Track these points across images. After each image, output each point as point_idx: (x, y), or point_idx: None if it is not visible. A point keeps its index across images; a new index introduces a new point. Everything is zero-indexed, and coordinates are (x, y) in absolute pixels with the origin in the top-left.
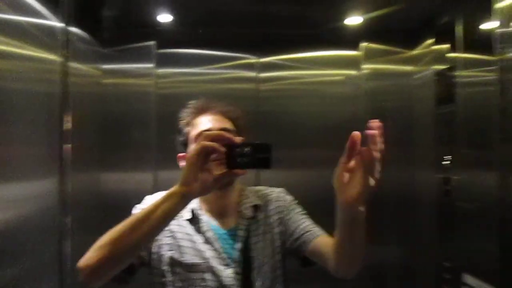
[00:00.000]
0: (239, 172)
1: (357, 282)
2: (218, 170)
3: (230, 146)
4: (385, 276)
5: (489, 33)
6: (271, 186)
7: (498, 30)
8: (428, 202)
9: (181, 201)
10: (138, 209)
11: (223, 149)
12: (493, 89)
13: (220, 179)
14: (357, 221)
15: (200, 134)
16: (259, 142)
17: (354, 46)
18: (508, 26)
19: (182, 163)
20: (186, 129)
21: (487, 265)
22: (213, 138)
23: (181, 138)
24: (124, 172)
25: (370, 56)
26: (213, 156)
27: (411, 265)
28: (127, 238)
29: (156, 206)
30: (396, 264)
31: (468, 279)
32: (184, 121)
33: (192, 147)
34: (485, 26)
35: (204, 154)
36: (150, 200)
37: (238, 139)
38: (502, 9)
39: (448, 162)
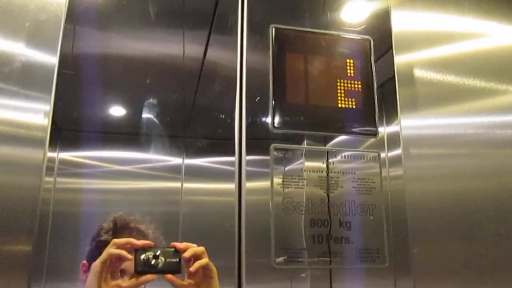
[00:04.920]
0: (148, 278)
1: None
2: (126, 282)
3: (138, 252)
4: None
5: None
6: None
7: None
8: None
9: None
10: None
11: (130, 256)
12: None
13: None
14: None
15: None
16: (168, 247)
17: None
18: None
19: (83, 276)
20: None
21: None
22: (121, 245)
23: (93, 248)
24: None
25: None
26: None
27: None
28: None
29: None
30: None
31: None
32: (103, 236)
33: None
34: None
35: (111, 264)
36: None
37: (145, 243)
38: None
39: None
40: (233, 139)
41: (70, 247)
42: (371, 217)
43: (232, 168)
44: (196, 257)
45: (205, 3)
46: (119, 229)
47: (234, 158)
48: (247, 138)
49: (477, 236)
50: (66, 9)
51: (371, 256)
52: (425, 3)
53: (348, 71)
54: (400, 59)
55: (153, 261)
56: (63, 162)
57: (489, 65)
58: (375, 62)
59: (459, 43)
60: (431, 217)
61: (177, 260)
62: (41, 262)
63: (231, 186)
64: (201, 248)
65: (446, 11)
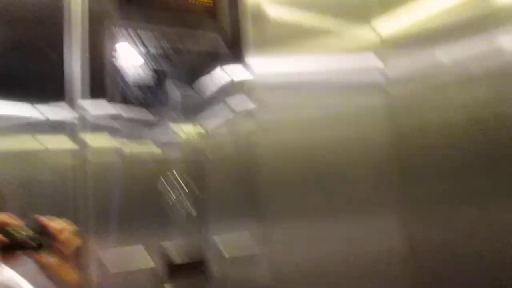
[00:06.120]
0: (13, 256)
1: None
2: None
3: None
4: None
5: None
6: None
7: None
8: None
9: None
10: None
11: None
12: None
13: None
14: None
15: None
16: (32, 222)
17: None
18: None
19: None
20: None
21: None
22: None
23: None
24: None
25: None
26: None
27: None
28: None
29: None
30: None
31: None
32: None
33: None
34: None
35: None
36: None
37: (8, 221)
38: None
39: None
40: None
41: None
42: None
43: None
44: (61, 233)
45: None
46: None
47: None
48: None
49: (326, 182)
50: None
51: None
52: None
53: None
54: None
55: (17, 237)
56: None
57: (342, 4)
58: None
59: None
60: (279, 163)
61: (41, 235)
62: None
63: None
64: (67, 225)
65: None
